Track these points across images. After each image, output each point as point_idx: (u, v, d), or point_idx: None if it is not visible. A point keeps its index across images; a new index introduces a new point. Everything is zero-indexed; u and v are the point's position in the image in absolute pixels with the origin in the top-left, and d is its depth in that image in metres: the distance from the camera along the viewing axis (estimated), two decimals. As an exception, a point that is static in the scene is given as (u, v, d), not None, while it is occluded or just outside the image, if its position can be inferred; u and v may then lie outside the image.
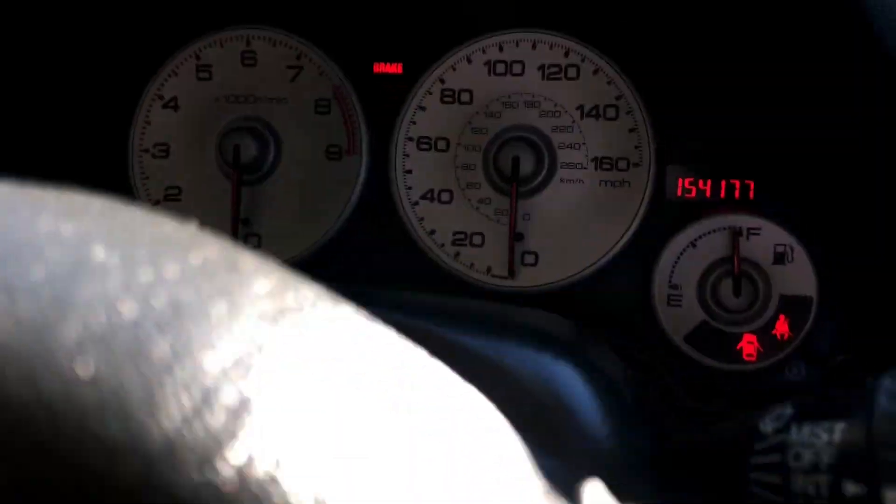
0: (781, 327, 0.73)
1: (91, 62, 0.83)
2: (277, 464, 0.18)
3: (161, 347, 0.18)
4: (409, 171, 0.80)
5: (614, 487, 0.37)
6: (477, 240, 0.79)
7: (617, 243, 0.76)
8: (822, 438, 0.34)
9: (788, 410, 0.37)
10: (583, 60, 0.77)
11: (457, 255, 0.79)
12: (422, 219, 0.80)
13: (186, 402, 0.18)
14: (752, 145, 0.74)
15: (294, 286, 0.24)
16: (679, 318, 0.74)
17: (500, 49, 0.78)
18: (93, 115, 0.84)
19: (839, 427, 0.33)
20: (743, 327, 0.73)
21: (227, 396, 0.19)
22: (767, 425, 0.37)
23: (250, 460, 0.18)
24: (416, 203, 0.80)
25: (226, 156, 0.81)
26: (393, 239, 0.80)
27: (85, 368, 0.17)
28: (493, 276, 0.78)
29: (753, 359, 0.73)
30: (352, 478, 0.19)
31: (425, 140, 0.80)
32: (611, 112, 0.77)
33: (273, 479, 0.18)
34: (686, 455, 0.42)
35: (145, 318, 0.19)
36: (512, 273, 0.77)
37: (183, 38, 0.83)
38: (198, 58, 0.83)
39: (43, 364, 0.17)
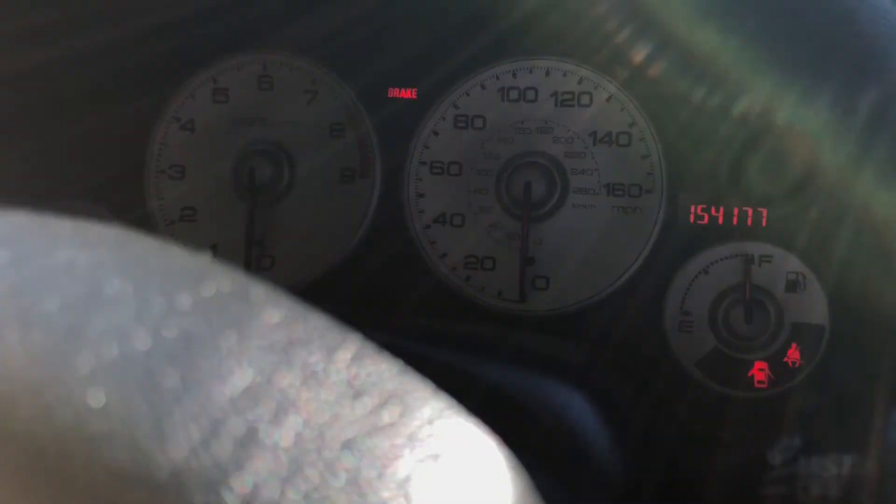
0: (793, 355, 0.72)
1: (109, 83, 0.84)
2: (282, 493, 0.19)
3: (171, 378, 0.19)
4: (422, 195, 0.81)
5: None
6: (488, 263, 0.79)
7: (629, 269, 0.76)
8: (831, 471, 0.33)
9: (796, 442, 0.37)
10: (595, 88, 0.77)
11: (468, 278, 0.79)
12: (434, 242, 0.80)
13: (194, 432, 0.18)
14: (766, 172, 0.74)
15: (303, 317, 0.24)
16: (690, 344, 0.74)
17: (514, 76, 0.79)
18: (110, 135, 0.85)
19: (848, 460, 0.33)
20: (754, 354, 0.73)
21: (235, 427, 0.19)
22: (776, 457, 0.37)
23: (255, 489, 0.18)
24: (429, 226, 0.80)
25: (241, 178, 0.82)
26: (405, 262, 0.80)
27: (96, 399, 0.18)
28: (504, 299, 0.79)
29: (765, 386, 0.73)
30: (356, 509, 0.19)
31: (438, 164, 0.80)
32: (623, 139, 0.77)
33: (278, 510, 0.18)
34: (695, 484, 0.42)
35: (156, 349, 0.20)
36: (523, 297, 0.77)
37: (200, 61, 0.84)
38: (215, 81, 0.84)
39: (55, 395, 0.18)
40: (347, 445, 0.20)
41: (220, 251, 0.84)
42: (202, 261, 0.25)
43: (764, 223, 0.75)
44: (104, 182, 0.85)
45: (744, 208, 0.75)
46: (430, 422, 0.23)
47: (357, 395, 0.22)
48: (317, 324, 0.24)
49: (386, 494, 0.20)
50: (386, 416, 0.22)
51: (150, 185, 0.85)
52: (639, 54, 0.77)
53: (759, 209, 0.75)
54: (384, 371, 0.23)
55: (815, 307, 0.72)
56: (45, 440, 0.17)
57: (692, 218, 0.76)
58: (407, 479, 0.21)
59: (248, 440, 0.19)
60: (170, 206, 0.85)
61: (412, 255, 0.80)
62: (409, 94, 0.81)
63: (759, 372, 0.73)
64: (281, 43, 0.83)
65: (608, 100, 0.77)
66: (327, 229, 0.82)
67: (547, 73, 0.78)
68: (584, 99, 0.78)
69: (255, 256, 0.83)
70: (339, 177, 0.82)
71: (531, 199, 0.77)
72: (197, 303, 0.22)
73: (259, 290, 0.24)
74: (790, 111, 0.72)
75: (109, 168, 0.85)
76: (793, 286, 0.73)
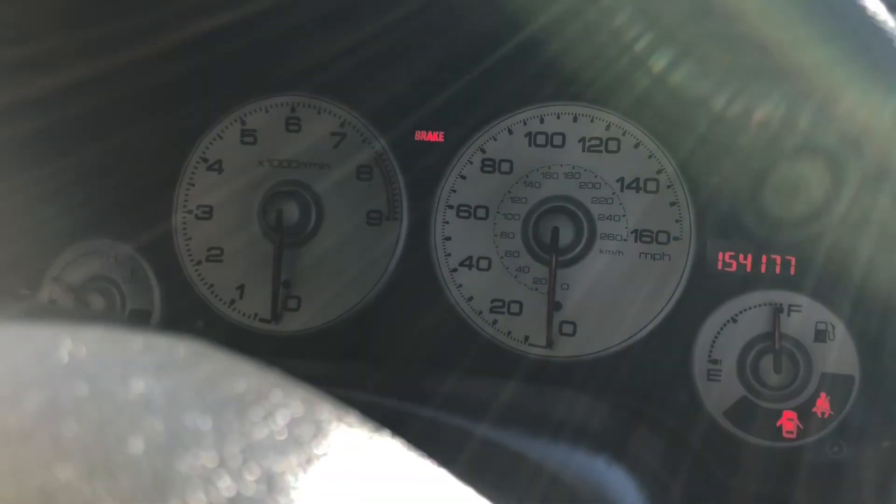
0: (822, 405, 0.72)
1: (139, 124, 0.85)
2: None
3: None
4: (449, 238, 0.81)
5: None
6: (515, 308, 0.79)
7: (657, 316, 0.76)
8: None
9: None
10: (624, 134, 0.78)
11: (494, 322, 0.80)
12: (460, 285, 0.80)
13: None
14: (792, 222, 0.74)
15: (369, 437, 0.24)
16: (718, 392, 0.74)
17: (541, 121, 0.79)
18: (139, 174, 0.86)
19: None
20: (783, 404, 0.73)
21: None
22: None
23: None
24: (455, 269, 0.81)
25: (268, 219, 0.83)
26: (431, 305, 0.81)
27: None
28: (531, 345, 0.79)
29: (793, 436, 0.72)
30: None
31: (465, 208, 0.81)
32: (651, 185, 0.77)
33: None
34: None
35: (241, 495, 0.20)
36: (550, 343, 0.78)
37: (229, 102, 0.85)
38: (243, 122, 0.84)
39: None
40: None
41: (246, 292, 0.84)
42: (269, 378, 0.25)
43: (793, 272, 0.75)
44: (132, 222, 0.86)
45: (772, 256, 0.75)
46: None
47: None
48: (380, 445, 0.24)
49: None
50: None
51: (178, 225, 0.85)
52: (668, 101, 0.77)
53: (788, 257, 0.75)
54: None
55: (844, 357, 0.72)
56: None
57: (720, 265, 0.76)
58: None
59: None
60: (197, 247, 0.85)
61: (439, 299, 0.80)
62: (436, 137, 0.81)
63: (788, 422, 0.72)
64: (309, 85, 0.83)
65: (636, 146, 0.78)
66: (354, 271, 0.82)
67: (574, 119, 0.79)
68: (612, 145, 0.78)
69: (282, 297, 0.83)
70: (367, 219, 0.83)
71: (559, 244, 0.77)
72: (272, 437, 0.22)
73: (328, 408, 0.24)
74: (821, 162, 0.72)
75: (137, 208, 0.86)
76: (822, 336, 0.73)
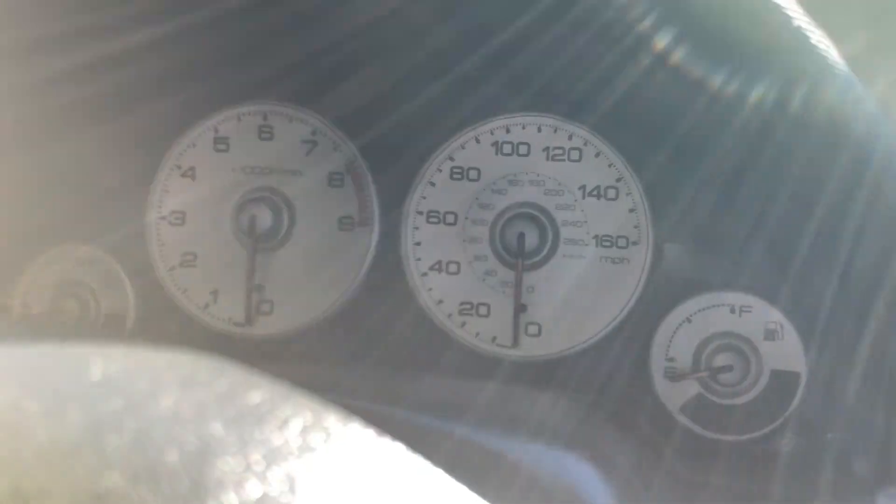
0: (772, 400, 0.77)
1: (112, 130, 0.86)
2: None
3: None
4: (419, 243, 0.84)
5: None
6: (483, 310, 0.83)
7: (617, 317, 0.80)
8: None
9: None
10: (585, 144, 0.81)
11: (463, 324, 0.83)
12: (430, 289, 0.83)
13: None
14: (746, 227, 0.78)
15: (373, 441, 0.27)
16: (676, 389, 0.78)
17: (507, 131, 0.82)
18: (112, 181, 0.87)
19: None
20: (736, 399, 0.77)
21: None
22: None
23: None
24: (425, 274, 0.84)
25: (241, 225, 0.85)
26: (402, 308, 0.83)
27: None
28: (498, 345, 0.82)
29: (746, 430, 0.77)
30: None
31: (434, 214, 0.84)
32: (611, 193, 0.81)
33: None
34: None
35: (268, 496, 0.23)
36: (516, 343, 0.81)
37: (202, 111, 0.86)
38: (216, 131, 0.86)
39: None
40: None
41: (220, 296, 0.86)
42: (281, 390, 0.28)
43: (744, 274, 0.79)
44: (105, 227, 0.87)
45: (725, 260, 0.79)
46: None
47: None
48: (391, 453, 0.27)
49: None
50: None
51: (151, 231, 0.87)
52: (625, 111, 0.81)
53: (740, 261, 0.79)
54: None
55: (792, 354, 0.77)
56: None
57: (676, 269, 0.80)
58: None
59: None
60: (170, 252, 0.87)
61: (409, 302, 0.83)
62: (407, 145, 0.84)
63: (741, 416, 0.77)
64: (281, 94, 0.86)
65: (597, 156, 0.81)
66: (326, 276, 0.85)
67: (539, 129, 0.82)
68: (574, 154, 0.82)
69: (256, 301, 0.85)
70: (339, 224, 0.85)
71: (524, 248, 0.81)
72: (290, 442, 0.25)
73: (336, 418, 0.27)
74: (769, 168, 0.77)
75: (111, 213, 0.87)
76: (772, 335, 0.77)
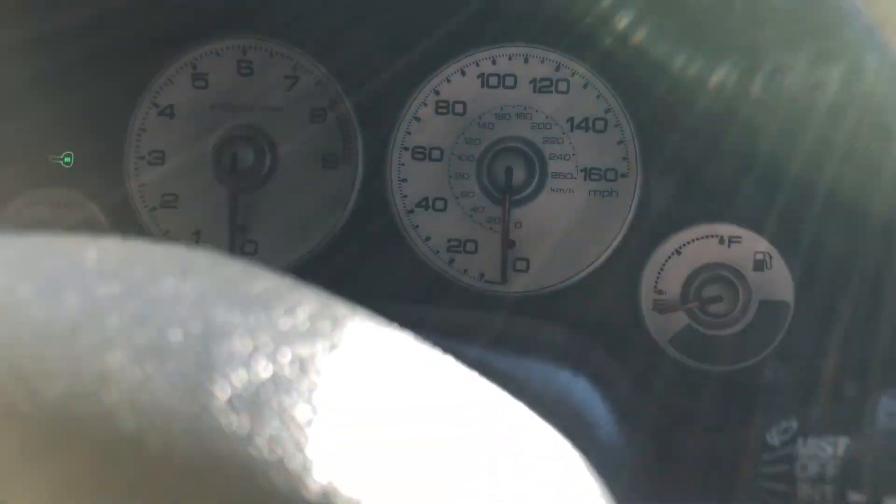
0: (761, 331, 0.77)
1: (85, 67, 0.84)
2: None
3: (301, 407, 0.21)
4: (405, 180, 0.82)
5: (631, 495, 0.40)
6: (470, 247, 0.82)
7: (606, 250, 0.80)
8: (827, 452, 0.37)
9: (794, 425, 0.40)
10: (573, 74, 0.80)
11: (451, 261, 0.82)
12: (417, 226, 0.82)
13: (335, 451, 0.20)
14: (734, 158, 0.77)
15: (382, 329, 0.26)
16: (665, 321, 0.78)
17: (493, 62, 0.81)
18: (87, 120, 0.85)
19: (843, 442, 0.37)
20: (725, 330, 0.77)
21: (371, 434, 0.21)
22: (774, 438, 0.40)
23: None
24: (412, 211, 0.82)
25: (222, 164, 0.83)
26: (389, 246, 0.82)
27: (241, 426, 0.20)
28: (486, 281, 0.81)
29: (735, 361, 0.77)
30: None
31: (420, 150, 0.82)
32: (599, 125, 0.80)
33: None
34: (696, 462, 0.45)
35: (279, 375, 0.22)
36: (504, 279, 0.80)
37: (179, 46, 0.84)
38: (194, 67, 0.84)
39: (204, 423, 0.20)
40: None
41: (203, 237, 0.84)
42: (286, 282, 0.27)
43: (733, 205, 0.78)
44: (83, 168, 0.85)
45: (714, 191, 0.79)
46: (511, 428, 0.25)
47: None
48: (394, 338, 0.26)
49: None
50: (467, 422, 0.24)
51: (130, 172, 0.85)
52: (613, 40, 0.79)
53: (729, 192, 0.78)
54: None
55: (781, 285, 0.77)
56: (207, 471, 0.19)
57: (665, 201, 0.79)
58: (487, 479, 0.24)
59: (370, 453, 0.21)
60: (150, 193, 0.85)
61: (396, 239, 0.82)
62: (390, 79, 0.82)
63: (730, 347, 0.77)
64: (261, 28, 0.83)
65: (585, 86, 0.80)
66: (310, 214, 0.83)
67: (525, 60, 0.81)
68: (562, 85, 0.80)
69: (239, 242, 0.84)
70: (322, 162, 0.83)
71: (512, 183, 0.80)
72: (297, 326, 0.24)
73: (342, 309, 0.26)
74: (760, 92, 0.76)
75: (87, 155, 0.85)
76: (760, 265, 0.77)
